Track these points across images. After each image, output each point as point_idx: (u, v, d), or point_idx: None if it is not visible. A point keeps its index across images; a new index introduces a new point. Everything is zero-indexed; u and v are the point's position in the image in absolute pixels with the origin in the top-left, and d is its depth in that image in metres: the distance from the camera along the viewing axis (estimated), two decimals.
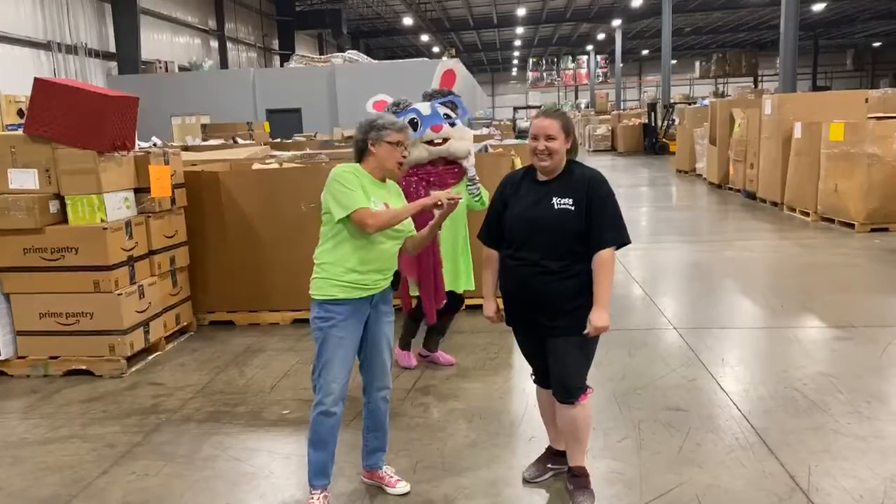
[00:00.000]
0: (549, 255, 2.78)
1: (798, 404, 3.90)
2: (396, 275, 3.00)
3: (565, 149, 2.82)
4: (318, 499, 2.95)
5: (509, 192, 2.95)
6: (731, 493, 3.02)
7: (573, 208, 2.76)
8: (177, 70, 20.24)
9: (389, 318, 3.05)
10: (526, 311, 2.90)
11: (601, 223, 2.76)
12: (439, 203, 2.82)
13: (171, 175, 5.29)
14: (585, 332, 2.77)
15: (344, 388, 2.90)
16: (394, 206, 2.94)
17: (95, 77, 16.91)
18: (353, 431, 3.46)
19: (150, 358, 5.10)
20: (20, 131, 5.02)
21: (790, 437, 3.50)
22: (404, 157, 2.95)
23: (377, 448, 3.15)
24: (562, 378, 2.87)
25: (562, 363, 2.86)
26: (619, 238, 2.81)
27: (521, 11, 31.88)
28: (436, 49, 40.37)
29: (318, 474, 2.97)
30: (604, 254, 2.77)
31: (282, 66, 25.19)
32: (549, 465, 3.21)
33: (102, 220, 4.72)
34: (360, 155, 2.96)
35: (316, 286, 2.89)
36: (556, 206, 2.77)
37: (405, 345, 4.72)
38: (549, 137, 2.78)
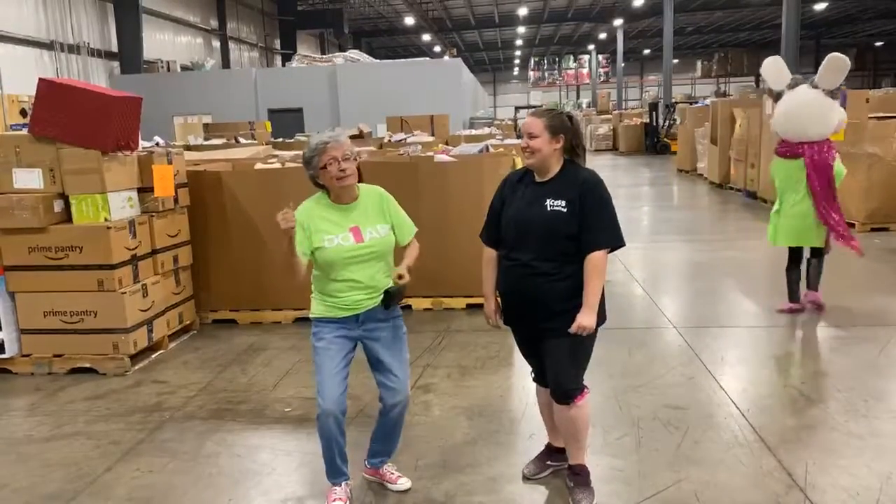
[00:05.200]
0: (540, 256, 2.79)
1: (796, 403, 3.93)
2: (387, 294, 2.88)
3: (553, 149, 2.81)
4: (339, 487, 3.00)
5: (508, 192, 2.97)
6: (729, 490, 3.05)
7: (565, 210, 2.76)
8: (179, 70, 20.27)
9: (390, 333, 2.96)
10: (521, 311, 2.92)
11: (594, 225, 2.76)
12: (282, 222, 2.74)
13: (174, 175, 5.32)
14: (570, 329, 2.77)
15: (334, 400, 2.84)
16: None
17: (98, 77, 16.96)
18: (354, 429, 3.49)
19: (153, 356, 5.14)
20: (24, 131, 5.06)
21: (788, 435, 3.53)
22: (342, 170, 2.78)
23: (381, 452, 3.17)
24: (558, 379, 2.89)
25: (557, 364, 2.88)
26: (612, 240, 2.81)
27: (522, 11, 31.87)
28: (437, 48, 40.37)
29: (332, 474, 3.02)
30: (595, 256, 2.77)
31: (283, 65, 25.22)
32: (549, 462, 3.24)
33: (106, 220, 4.76)
34: (321, 187, 2.94)
35: (311, 304, 2.98)
36: (548, 208, 2.78)
37: (816, 285, 5.70)
38: (531, 135, 2.79)
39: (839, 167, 5.37)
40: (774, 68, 5.63)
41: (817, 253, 5.64)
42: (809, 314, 5.64)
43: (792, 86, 5.49)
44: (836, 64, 5.27)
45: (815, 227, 5.44)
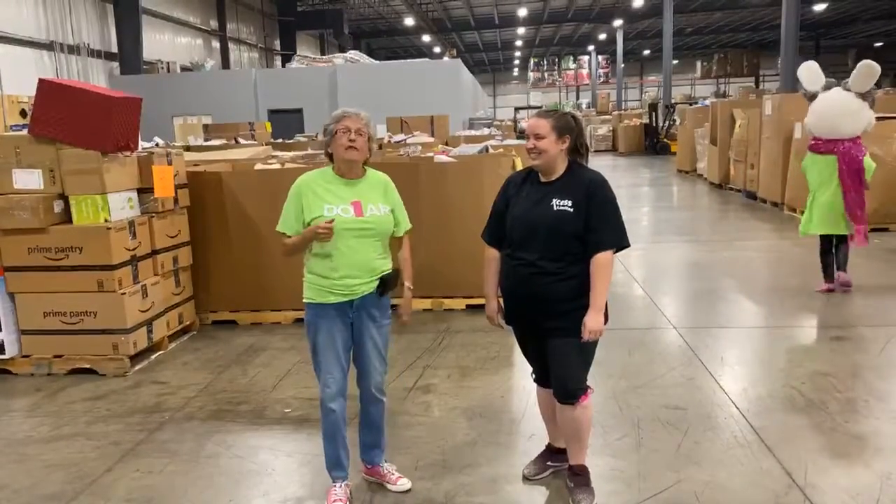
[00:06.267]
0: (546, 255, 2.80)
1: (796, 403, 3.93)
2: (383, 281, 2.93)
3: (559, 149, 2.82)
4: (339, 487, 3.03)
5: (512, 192, 2.97)
6: (728, 490, 3.05)
7: (572, 210, 2.77)
8: (178, 70, 20.26)
9: (379, 323, 3.01)
10: (525, 310, 2.92)
11: (600, 226, 2.77)
12: (319, 231, 2.80)
13: (174, 175, 5.32)
14: (582, 337, 2.78)
15: (339, 385, 2.94)
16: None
17: (97, 77, 16.95)
18: (353, 429, 3.49)
19: (153, 357, 5.13)
20: (24, 132, 5.06)
21: (788, 436, 3.53)
22: (351, 140, 2.84)
23: (372, 445, 3.19)
24: (562, 379, 2.89)
25: (561, 364, 2.88)
26: (618, 241, 2.82)
27: (522, 12, 31.86)
28: (437, 49, 40.37)
29: (333, 466, 3.05)
30: (601, 256, 2.77)
31: (283, 66, 25.21)
32: (549, 463, 3.24)
33: (106, 220, 4.76)
34: (331, 159, 2.99)
35: (303, 289, 2.98)
36: (555, 208, 2.78)
37: (844, 266, 6.19)
38: (538, 136, 2.80)
39: (869, 162, 5.95)
40: (809, 72, 6.22)
41: (844, 238, 6.17)
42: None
43: (826, 87, 6.04)
44: (868, 70, 5.82)
45: (843, 216, 5.98)
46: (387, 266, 3.00)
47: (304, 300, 2.97)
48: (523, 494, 3.12)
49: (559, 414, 2.98)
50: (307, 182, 2.94)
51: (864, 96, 5.85)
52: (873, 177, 8.63)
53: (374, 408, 3.11)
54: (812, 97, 6.13)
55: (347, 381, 2.99)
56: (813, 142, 6.16)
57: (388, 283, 2.95)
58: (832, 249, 6.22)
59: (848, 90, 5.90)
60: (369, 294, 2.93)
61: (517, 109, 36.84)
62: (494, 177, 5.37)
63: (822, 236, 6.19)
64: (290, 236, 2.94)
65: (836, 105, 5.93)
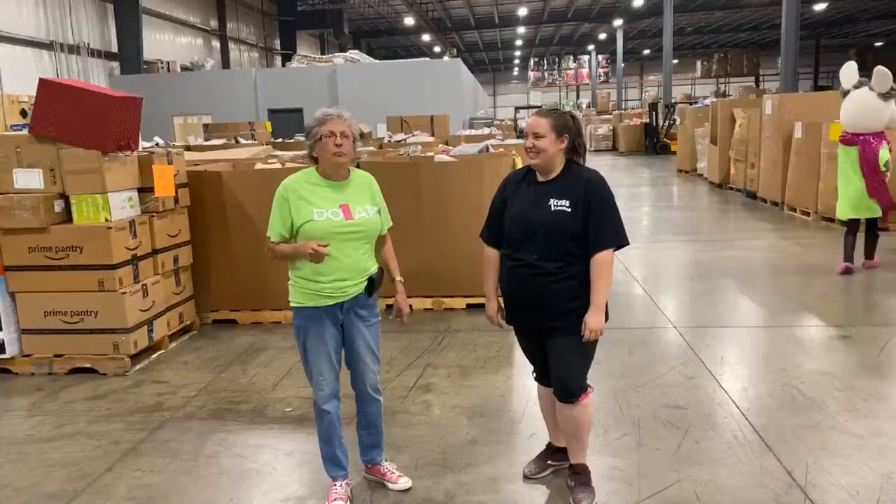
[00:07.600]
0: (545, 255, 2.80)
1: (796, 402, 3.93)
2: (371, 282, 2.94)
3: (558, 148, 2.82)
4: (340, 485, 3.04)
5: (510, 191, 2.97)
6: (729, 489, 3.06)
7: (570, 210, 2.77)
8: (179, 70, 20.27)
9: (368, 322, 3.00)
10: (525, 310, 2.92)
11: (599, 225, 2.77)
12: (311, 251, 2.77)
13: (175, 175, 5.33)
14: (583, 337, 2.79)
15: (332, 387, 2.95)
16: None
17: (98, 77, 16.96)
18: (352, 429, 3.49)
19: (153, 356, 5.14)
20: (25, 131, 5.06)
21: (788, 435, 3.53)
22: (338, 145, 2.79)
23: (371, 444, 3.20)
24: (562, 378, 2.89)
25: (562, 364, 2.88)
26: (618, 240, 2.82)
27: (522, 11, 31.87)
28: (437, 49, 40.37)
29: (332, 466, 3.06)
30: (602, 256, 2.78)
31: (283, 66, 25.23)
32: (550, 462, 3.24)
33: (107, 220, 4.76)
34: (315, 162, 2.96)
35: (290, 293, 2.97)
36: (552, 208, 2.78)
37: (871, 255, 6.96)
38: (537, 136, 2.80)
39: (884, 152, 6.52)
40: (847, 71, 6.85)
41: (872, 227, 6.88)
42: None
43: (857, 86, 6.69)
44: (880, 73, 6.50)
45: (868, 201, 6.64)
46: (373, 266, 3.00)
47: (292, 304, 2.96)
48: (524, 493, 3.12)
49: (559, 413, 2.98)
50: (292, 186, 2.89)
51: (886, 95, 6.49)
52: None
53: (372, 408, 3.12)
54: (845, 94, 6.76)
55: (340, 382, 2.99)
56: (842, 135, 6.83)
57: (375, 283, 2.96)
58: (856, 233, 6.83)
59: (871, 90, 6.55)
60: (358, 295, 2.93)
61: (517, 109, 36.85)
62: (494, 176, 5.36)
63: (850, 220, 6.83)
64: (277, 241, 2.91)
65: (860, 103, 6.60)
